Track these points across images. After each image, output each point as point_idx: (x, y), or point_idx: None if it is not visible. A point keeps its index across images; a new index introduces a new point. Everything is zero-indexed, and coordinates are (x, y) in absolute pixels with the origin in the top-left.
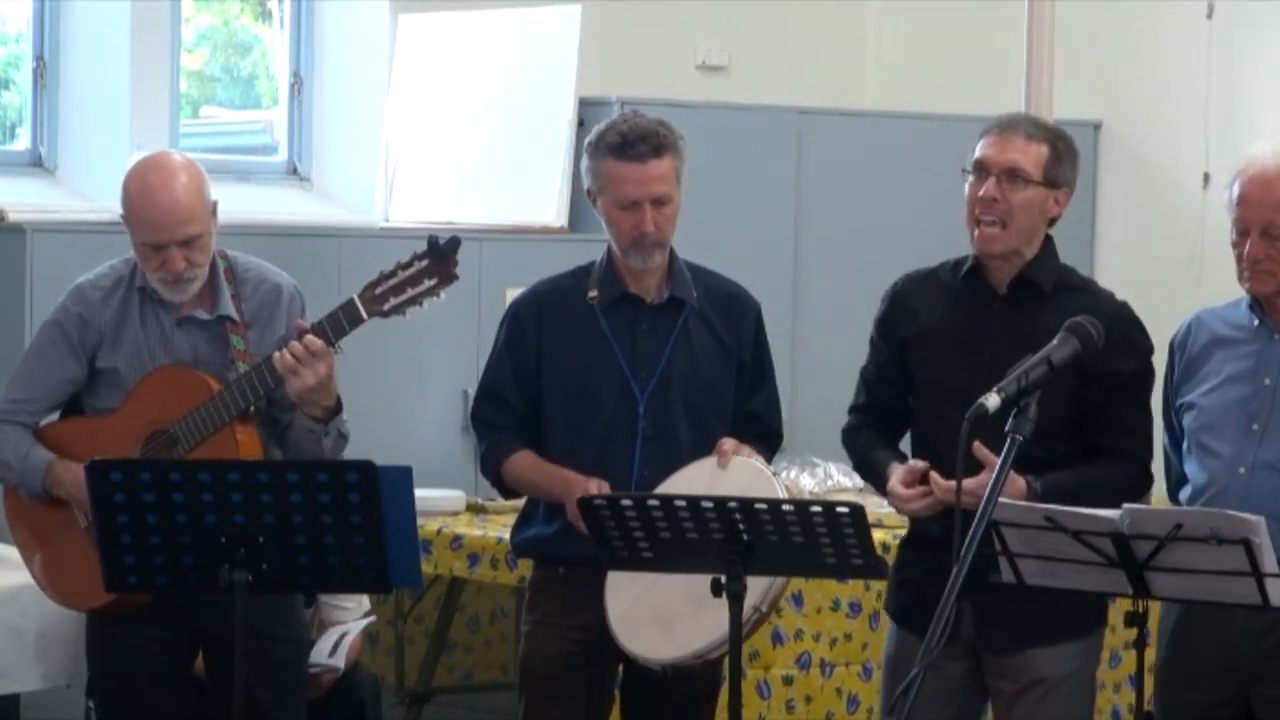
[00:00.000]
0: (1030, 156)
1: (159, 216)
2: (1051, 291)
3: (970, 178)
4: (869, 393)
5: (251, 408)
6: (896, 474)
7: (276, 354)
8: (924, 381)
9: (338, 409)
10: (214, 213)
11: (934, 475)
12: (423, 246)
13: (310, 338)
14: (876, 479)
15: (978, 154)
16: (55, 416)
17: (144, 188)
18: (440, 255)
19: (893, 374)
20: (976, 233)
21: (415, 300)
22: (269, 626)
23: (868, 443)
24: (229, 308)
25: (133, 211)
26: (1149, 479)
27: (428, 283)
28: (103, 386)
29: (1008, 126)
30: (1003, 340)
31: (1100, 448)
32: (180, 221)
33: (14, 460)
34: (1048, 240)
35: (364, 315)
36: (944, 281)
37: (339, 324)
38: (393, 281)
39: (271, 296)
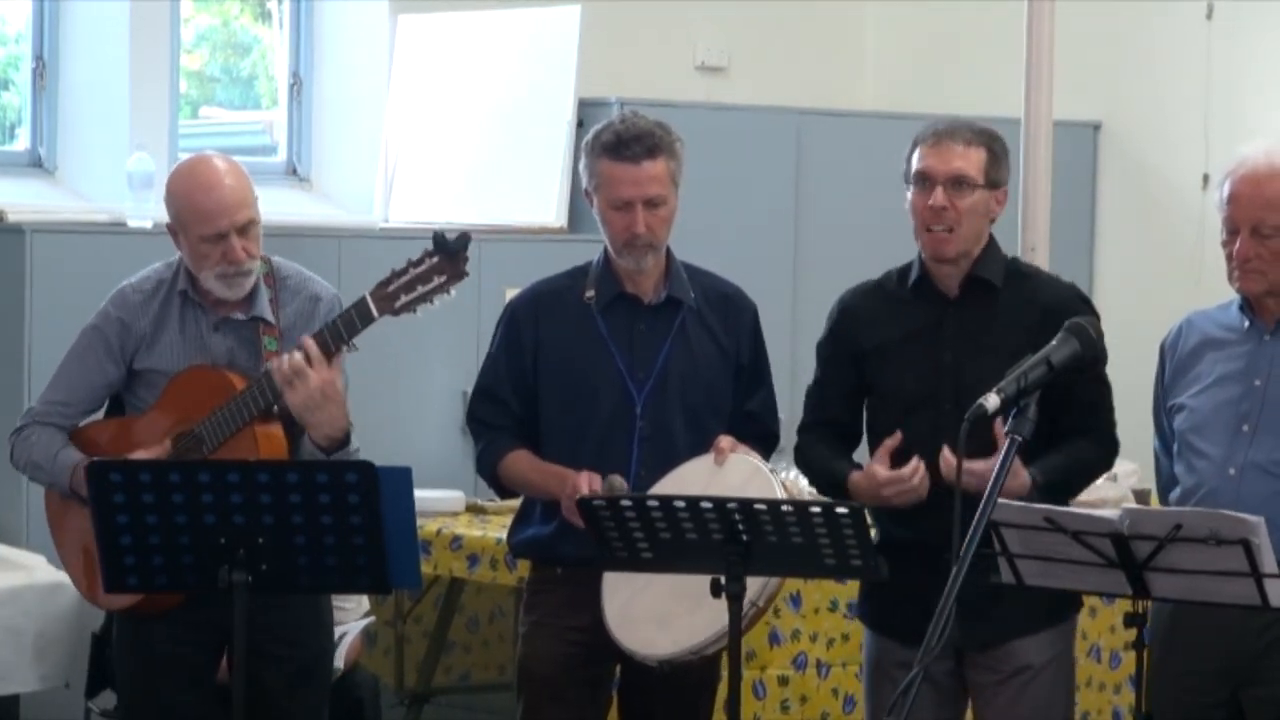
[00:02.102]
0: (971, 161)
1: (215, 204)
2: (1002, 285)
3: (911, 188)
4: (819, 410)
5: (274, 405)
6: (878, 460)
7: (274, 363)
8: (885, 393)
9: (345, 442)
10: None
11: (945, 452)
12: (421, 248)
13: (310, 344)
14: (837, 488)
15: (918, 165)
16: (99, 416)
17: (194, 182)
18: (450, 252)
19: (846, 389)
20: (927, 237)
21: (426, 297)
22: (294, 632)
23: (825, 455)
24: (265, 310)
25: (186, 207)
26: (1117, 446)
27: (438, 280)
28: (142, 387)
29: (945, 134)
30: (961, 342)
31: (1075, 428)
32: (236, 205)
33: (44, 461)
34: (990, 235)
35: (375, 314)
36: (892, 291)
37: (351, 322)
38: (404, 279)
39: (309, 306)
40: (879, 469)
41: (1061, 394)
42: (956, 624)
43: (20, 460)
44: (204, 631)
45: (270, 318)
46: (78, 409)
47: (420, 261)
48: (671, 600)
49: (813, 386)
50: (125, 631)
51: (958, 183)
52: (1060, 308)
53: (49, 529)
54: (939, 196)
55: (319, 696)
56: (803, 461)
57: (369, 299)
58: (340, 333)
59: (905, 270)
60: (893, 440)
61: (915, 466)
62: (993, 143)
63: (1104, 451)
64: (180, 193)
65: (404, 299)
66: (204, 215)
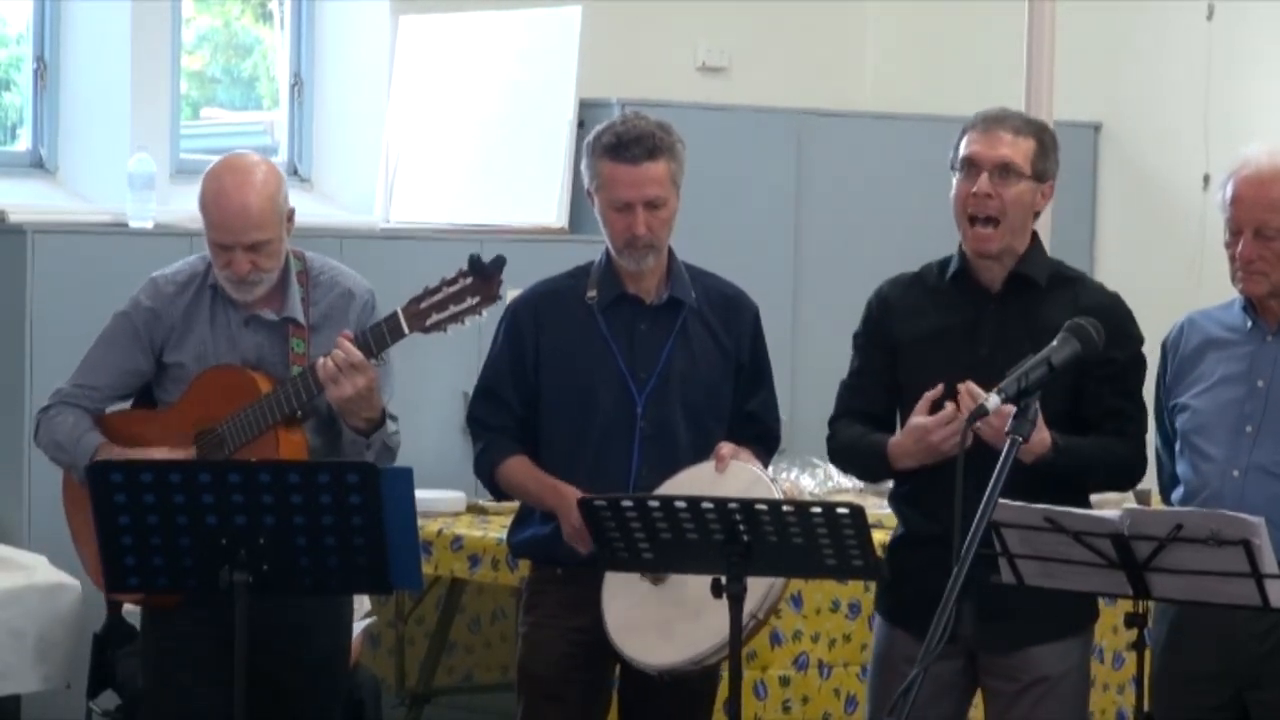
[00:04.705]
0: (1020, 150)
1: (228, 218)
2: (1046, 285)
3: (957, 175)
4: (853, 399)
5: (298, 412)
6: (919, 412)
7: (320, 361)
8: (919, 386)
9: (381, 421)
10: (289, 218)
11: (968, 387)
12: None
13: (351, 348)
14: (877, 457)
15: (965, 150)
16: (127, 405)
17: (219, 188)
18: (484, 274)
19: (881, 380)
20: (970, 232)
21: (457, 318)
22: (309, 629)
23: (860, 432)
24: (296, 310)
25: (205, 210)
26: (1145, 464)
27: (470, 301)
28: (170, 381)
29: (994, 121)
30: (1000, 338)
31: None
32: (249, 226)
33: (67, 442)
34: (1034, 233)
35: (406, 330)
36: (930, 285)
37: (381, 336)
38: (436, 298)
39: (342, 302)
40: (922, 418)
41: (1092, 401)
42: (973, 625)
43: (43, 439)
44: (220, 627)
45: (301, 318)
46: (104, 394)
47: (454, 281)
48: (673, 608)
49: (846, 379)
50: (149, 621)
51: (1004, 170)
52: (1101, 314)
53: (65, 516)
54: (984, 183)
55: (334, 692)
56: (835, 447)
57: (401, 314)
58: (369, 345)
59: (945, 263)
60: (934, 391)
61: (953, 412)
62: (1042, 134)
63: (1132, 452)
64: (205, 191)
65: (435, 317)
66: (215, 225)
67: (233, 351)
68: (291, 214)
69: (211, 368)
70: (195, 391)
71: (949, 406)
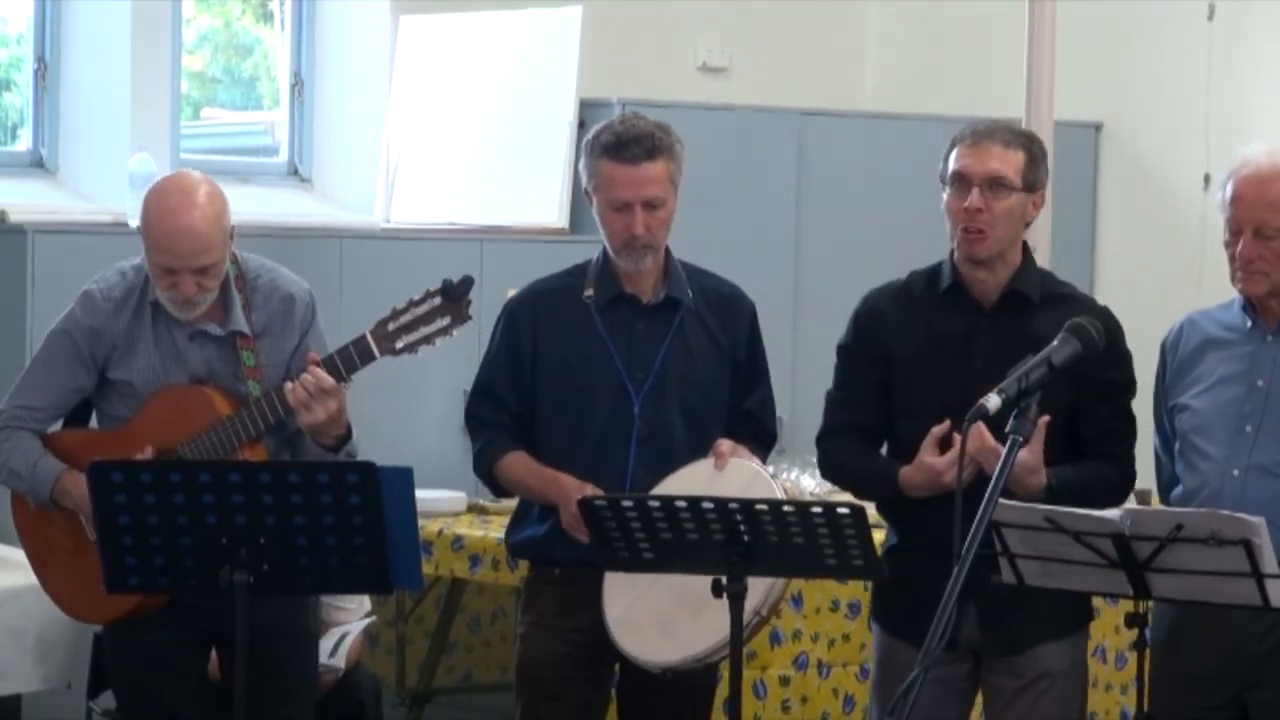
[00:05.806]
0: (1010, 164)
1: (175, 243)
2: (1039, 301)
3: (947, 189)
4: (844, 413)
5: (263, 433)
6: (928, 450)
7: (288, 385)
8: (912, 400)
9: (347, 436)
10: (231, 237)
11: (981, 428)
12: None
13: (322, 374)
14: (885, 484)
15: (955, 165)
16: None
17: (163, 212)
18: (453, 296)
19: (874, 391)
20: (961, 237)
21: (428, 339)
22: (280, 624)
23: (860, 455)
24: (240, 321)
25: (149, 232)
26: (1133, 483)
27: (440, 322)
28: (116, 396)
29: (983, 135)
30: (994, 352)
31: (1093, 454)
32: (196, 251)
33: (23, 469)
34: (1025, 247)
35: (376, 353)
36: (920, 295)
37: (350, 360)
38: (404, 319)
39: (284, 307)
40: (934, 459)
41: (1086, 418)
42: (978, 628)
43: None
44: (192, 631)
45: (246, 329)
46: (49, 413)
47: (421, 301)
48: (674, 606)
49: (834, 391)
50: (115, 634)
51: (995, 184)
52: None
53: (20, 541)
54: (975, 198)
55: (307, 688)
56: (833, 467)
57: (369, 338)
58: (339, 369)
59: (934, 274)
60: (940, 428)
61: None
62: (1031, 144)
63: (1120, 477)
64: (149, 213)
65: (405, 339)
66: (161, 249)
67: (181, 368)
68: (233, 231)
69: (164, 388)
70: (150, 412)
71: (956, 443)
